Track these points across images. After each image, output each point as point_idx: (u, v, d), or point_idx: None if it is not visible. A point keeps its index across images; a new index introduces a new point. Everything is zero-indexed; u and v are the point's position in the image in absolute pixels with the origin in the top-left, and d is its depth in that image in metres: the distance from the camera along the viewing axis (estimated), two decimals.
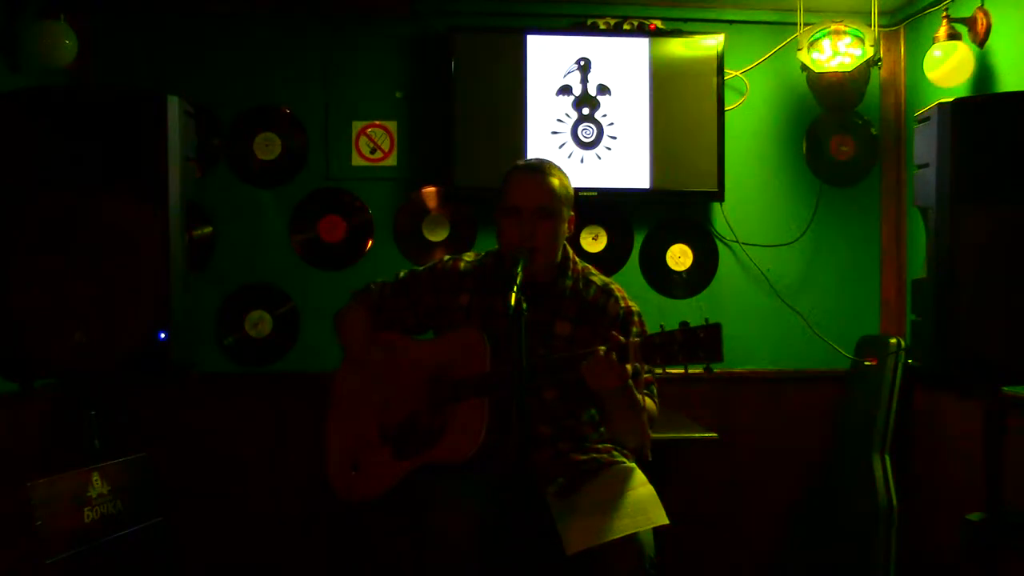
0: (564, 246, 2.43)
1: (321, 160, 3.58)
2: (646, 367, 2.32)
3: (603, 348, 2.09)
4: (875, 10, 3.43)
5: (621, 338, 2.09)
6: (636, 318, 2.41)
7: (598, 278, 2.47)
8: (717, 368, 3.66)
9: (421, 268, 2.58)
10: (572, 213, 2.42)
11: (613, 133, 3.53)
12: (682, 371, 2.04)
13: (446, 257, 2.57)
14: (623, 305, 2.41)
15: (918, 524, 3.43)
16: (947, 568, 3.30)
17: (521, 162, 2.47)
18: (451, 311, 2.44)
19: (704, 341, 1.99)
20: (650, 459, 2.39)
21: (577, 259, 2.48)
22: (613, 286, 2.46)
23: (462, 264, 2.51)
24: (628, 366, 2.10)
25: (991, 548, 2.44)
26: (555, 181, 2.36)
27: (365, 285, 2.61)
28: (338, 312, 2.59)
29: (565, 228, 2.38)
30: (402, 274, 2.58)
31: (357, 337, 2.52)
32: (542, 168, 2.39)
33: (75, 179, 2.40)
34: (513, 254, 2.26)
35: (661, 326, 2.08)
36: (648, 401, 2.34)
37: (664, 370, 2.07)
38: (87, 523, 2.33)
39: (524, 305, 1.97)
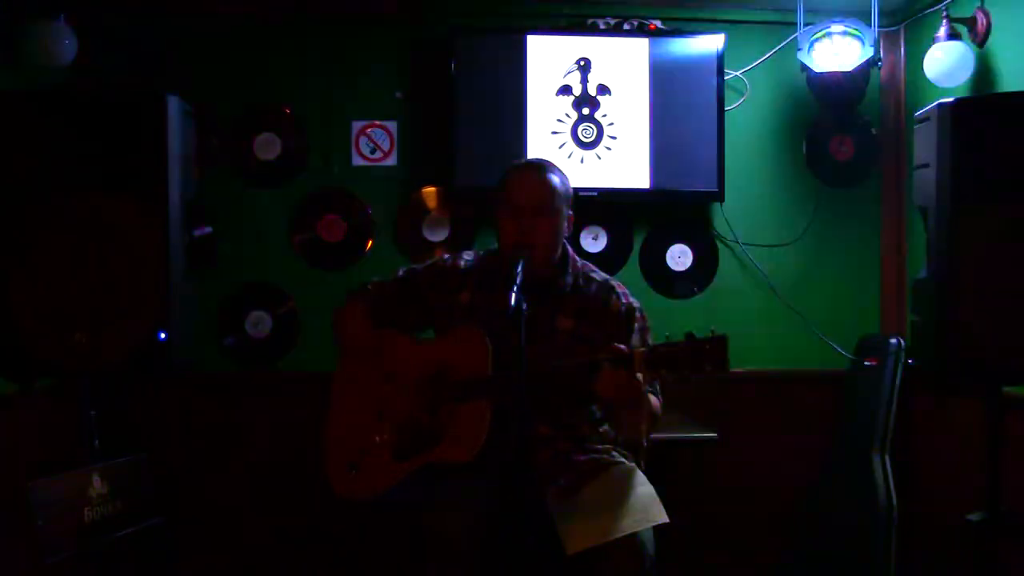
0: (564, 244, 2.43)
1: (321, 160, 3.58)
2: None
3: (609, 362, 2.08)
4: (875, 10, 3.43)
5: (625, 349, 2.09)
6: (638, 314, 2.41)
7: (598, 275, 2.47)
8: None
9: (420, 266, 2.57)
10: (571, 212, 2.42)
11: (613, 133, 3.53)
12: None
13: (445, 255, 2.56)
14: (624, 302, 2.41)
15: (918, 524, 3.43)
16: (947, 568, 3.30)
17: (520, 161, 2.47)
18: (452, 309, 2.44)
19: (710, 353, 1.99)
20: (642, 461, 2.39)
21: (577, 257, 2.48)
22: (614, 282, 2.46)
23: (462, 262, 2.51)
24: (640, 375, 2.09)
25: (991, 548, 2.44)
26: (554, 179, 2.36)
27: (361, 284, 2.61)
28: (336, 311, 2.58)
29: (564, 226, 2.38)
30: (401, 272, 2.58)
31: (357, 336, 2.51)
32: (541, 166, 2.39)
33: (75, 179, 2.40)
34: (512, 254, 2.26)
35: (667, 336, 2.07)
36: (652, 399, 2.33)
37: (665, 380, 2.07)
38: (87, 523, 2.33)
39: (524, 305, 1.97)
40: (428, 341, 2.48)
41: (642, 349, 2.08)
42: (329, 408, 2.54)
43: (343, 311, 2.56)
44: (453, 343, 2.37)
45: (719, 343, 1.99)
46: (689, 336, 2.02)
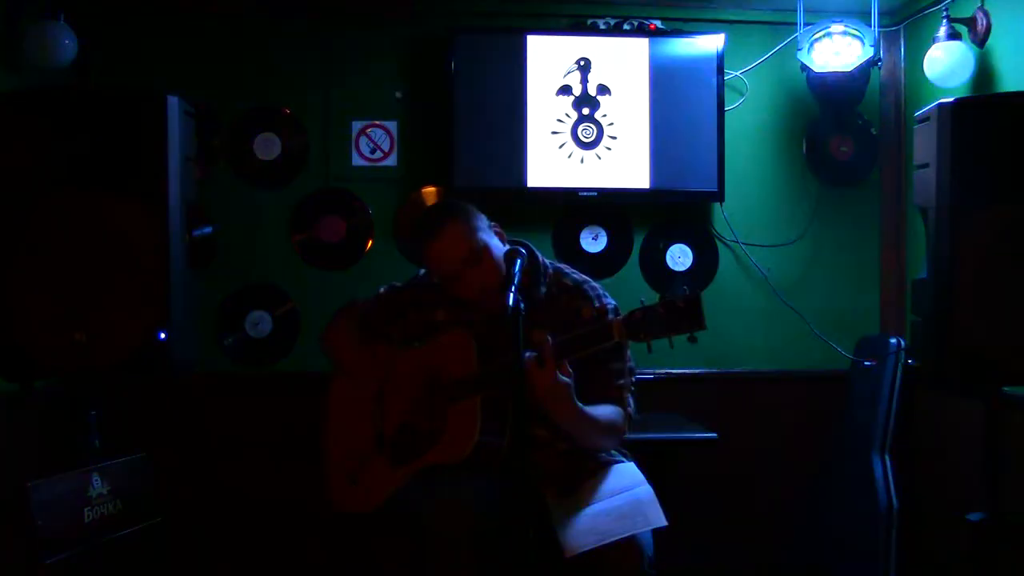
0: (531, 252, 2.37)
1: (321, 160, 3.58)
2: (630, 370, 2.36)
3: (529, 354, 2.06)
4: (875, 10, 3.43)
5: (548, 338, 2.08)
6: (609, 316, 2.36)
7: (571, 279, 2.43)
8: (717, 368, 3.68)
9: (400, 284, 2.57)
10: (488, 223, 2.36)
11: (613, 133, 3.53)
12: (669, 345, 2.04)
13: (422, 271, 2.54)
14: (597, 305, 2.35)
15: (918, 524, 3.43)
16: (947, 568, 3.30)
17: (420, 225, 2.39)
18: (431, 326, 2.43)
19: (685, 311, 2.00)
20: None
21: (547, 263, 2.44)
22: (587, 285, 2.42)
23: (436, 278, 2.48)
24: (562, 369, 2.08)
25: (991, 548, 2.44)
26: (456, 228, 2.28)
27: (348, 301, 2.59)
28: (325, 329, 2.57)
29: (495, 246, 2.32)
30: (382, 290, 2.57)
31: (346, 350, 2.51)
32: (439, 228, 2.30)
33: (75, 179, 2.40)
34: (510, 256, 2.22)
35: (641, 301, 2.07)
36: (604, 410, 2.28)
37: (650, 345, 2.06)
38: (87, 523, 2.33)
39: (522, 304, 1.96)
40: (415, 349, 2.47)
41: (620, 318, 2.08)
42: (325, 421, 2.52)
43: (331, 328, 2.56)
44: (440, 347, 2.36)
45: (693, 300, 2.00)
46: (663, 298, 2.03)
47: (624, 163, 3.52)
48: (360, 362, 2.49)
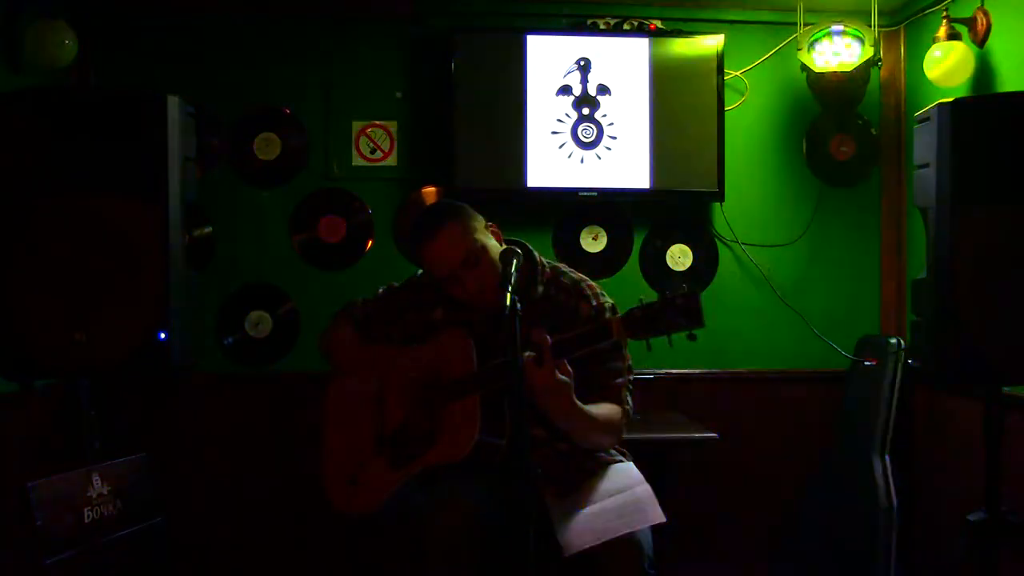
0: (527, 252, 2.37)
1: (321, 160, 3.58)
2: (626, 365, 2.36)
3: (528, 353, 2.06)
4: (875, 10, 3.43)
5: (547, 337, 2.08)
6: (608, 314, 2.37)
7: (568, 278, 2.43)
8: (717, 368, 3.68)
9: (398, 284, 2.57)
10: (485, 223, 2.36)
11: (613, 133, 3.53)
12: (667, 342, 2.04)
13: (420, 271, 2.54)
14: (594, 304, 2.36)
15: (918, 524, 3.43)
16: (947, 568, 3.30)
17: (418, 225, 2.38)
18: (428, 327, 2.43)
19: (683, 308, 2.00)
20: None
21: (544, 262, 2.44)
22: (584, 284, 2.41)
23: (434, 279, 2.47)
24: (561, 367, 2.08)
25: (991, 548, 2.44)
26: (453, 230, 2.28)
27: (346, 303, 2.59)
28: (322, 332, 2.56)
29: (491, 247, 2.32)
30: (381, 291, 2.56)
31: (345, 351, 2.50)
32: (437, 228, 2.30)
33: (75, 179, 2.40)
34: (507, 255, 2.22)
35: (640, 299, 2.08)
36: (603, 408, 2.29)
37: (649, 343, 2.07)
38: (87, 523, 2.33)
39: (519, 305, 1.96)
40: (414, 349, 2.47)
41: (618, 316, 2.09)
42: (324, 423, 2.52)
43: (330, 331, 2.55)
44: (438, 347, 2.36)
45: (691, 297, 2.00)
46: (662, 295, 2.03)
47: (624, 163, 3.52)
48: (359, 363, 2.49)
